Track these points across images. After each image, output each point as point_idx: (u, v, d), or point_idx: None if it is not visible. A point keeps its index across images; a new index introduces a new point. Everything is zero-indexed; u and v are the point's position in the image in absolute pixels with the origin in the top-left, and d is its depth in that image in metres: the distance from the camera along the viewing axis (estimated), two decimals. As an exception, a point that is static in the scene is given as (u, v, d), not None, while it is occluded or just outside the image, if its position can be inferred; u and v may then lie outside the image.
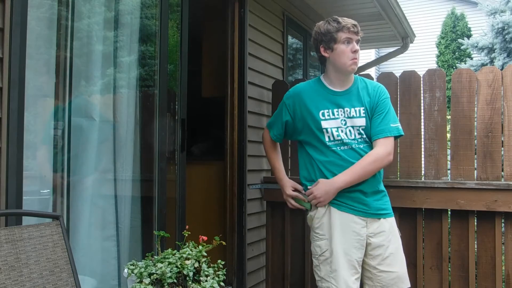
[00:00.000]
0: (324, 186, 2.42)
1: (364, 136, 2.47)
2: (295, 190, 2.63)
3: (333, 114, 2.47)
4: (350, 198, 2.44)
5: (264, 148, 2.83)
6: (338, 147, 2.45)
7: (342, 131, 2.45)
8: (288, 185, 2.66)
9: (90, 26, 2.61)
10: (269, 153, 2.79)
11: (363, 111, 2.48)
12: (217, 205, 3.86)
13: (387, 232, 2.45)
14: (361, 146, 2.46)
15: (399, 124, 2.53)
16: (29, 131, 2.14)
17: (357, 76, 2.61)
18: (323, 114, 2.48)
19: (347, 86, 2.53)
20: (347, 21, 2.46)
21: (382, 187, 2.53)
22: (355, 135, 2.46)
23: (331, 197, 2.42)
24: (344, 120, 2.47)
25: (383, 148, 2.43)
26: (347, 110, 2.47)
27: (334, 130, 2.45)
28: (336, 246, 2.40)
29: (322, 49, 2.51)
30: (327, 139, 2.46)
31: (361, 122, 2.47)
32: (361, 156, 2.43)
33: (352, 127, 2.46)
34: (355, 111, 2.47)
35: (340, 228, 2.42)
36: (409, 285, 2.48)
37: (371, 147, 2.48)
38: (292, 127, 2.60)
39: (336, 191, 2.41)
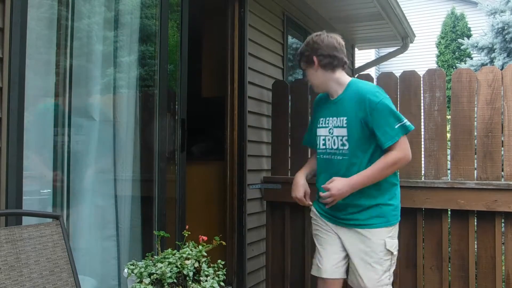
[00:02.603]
0: (339, 185, 2.40)
1: (347, 147, 2.42)
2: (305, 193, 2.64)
3: (325, 123, 2.54)
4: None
5: None
6: (322, 155, 2.55)
7: (328, 139, 2.51)
8: (300, 184, 2.63)
9: (90, 26, 2.61)
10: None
11: (345, 121, 2.43)
12: (217, 205, 3.86)
13: (357, 243, 2.44)
14: (339, 158, 2.45)
15: (405, 121, 2.39)
16: (29, 131, 2.14)
17: (352, 80, 2.51)
18: (319, 122, 2.57)
19: (337, 94, 2.51)
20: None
21: (368, 202, 2.43)
22: (338, 145, 2.46)
23: (344, 196, 2.41)
24: (332, 129, 2.50)
25: (396, 152, 2.36)
26: (334, 120, 2.49)
27: (322, 138, 2.54)
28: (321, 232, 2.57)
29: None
30: (319, 146, 2.56)
31: (343, 132, 2.44)
32: (336, 168, 2.44)
33: (337, 136, 2.47)
34: (340, 120, 2.47)
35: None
36: None
37: (350, 160, 2.41)
38: None
39: (350, 190, 2.39)
